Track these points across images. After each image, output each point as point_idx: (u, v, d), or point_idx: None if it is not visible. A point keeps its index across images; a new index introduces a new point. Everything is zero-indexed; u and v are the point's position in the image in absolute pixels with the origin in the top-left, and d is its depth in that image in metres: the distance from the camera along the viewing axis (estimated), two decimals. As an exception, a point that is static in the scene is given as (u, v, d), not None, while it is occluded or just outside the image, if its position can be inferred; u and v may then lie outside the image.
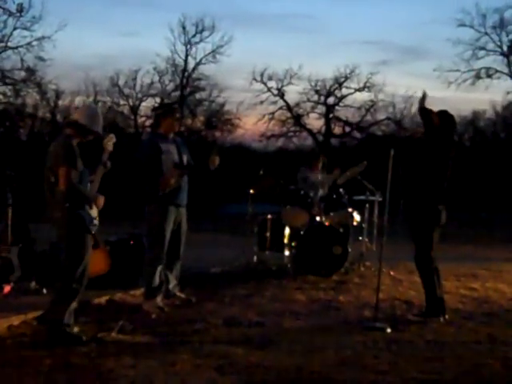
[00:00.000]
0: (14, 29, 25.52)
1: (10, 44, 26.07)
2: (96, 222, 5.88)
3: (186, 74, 32.88)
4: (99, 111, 6.03)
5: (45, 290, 7.32)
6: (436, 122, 6.81)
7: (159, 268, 7.08)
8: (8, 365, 5.06)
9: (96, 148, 6.04)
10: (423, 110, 6.97)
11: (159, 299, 7.07)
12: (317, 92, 34.19)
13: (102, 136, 5.94)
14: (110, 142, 6.03)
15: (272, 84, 33.97)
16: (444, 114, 6.95)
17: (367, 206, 10.08)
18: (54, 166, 5.63)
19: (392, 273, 9.45)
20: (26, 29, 25.60)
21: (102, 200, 5.92)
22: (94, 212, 5.88)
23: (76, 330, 5.82)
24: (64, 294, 5.76)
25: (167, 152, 7.14)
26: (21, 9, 23.29)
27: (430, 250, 6.88)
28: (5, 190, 7.56)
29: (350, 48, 51.54)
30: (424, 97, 7.01)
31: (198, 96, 33.37)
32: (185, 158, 7.33)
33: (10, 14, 23.86)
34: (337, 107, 34.57)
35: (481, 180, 26.38)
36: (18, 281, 7.40)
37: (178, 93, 32.61)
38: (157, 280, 7.08)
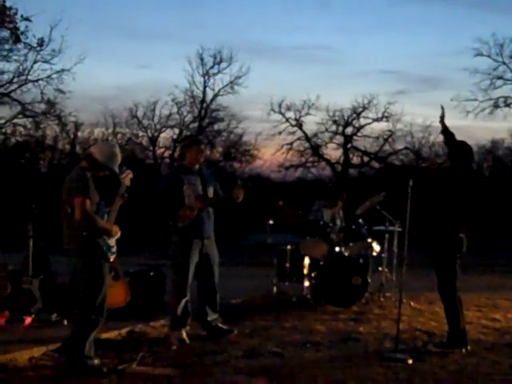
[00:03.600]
0: (35, 62, 25.84)
1: (30, 77, 26.38)
2: (114, 249, 5.93)
3: (205, 105, 33.06)
4: (117, 149, 6.06)
5: (65, 322, 7.34)
6: (458, 148, 6.89)
7: (183, 300, 7.09)
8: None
9: (113, 181, 6.09)
10: (446, 131, 7.06)
11: (183, 331, 7.07)
12: (335, 122, 34.25)
13: (118, 173, 5.99)
14: (127, 177, 6.09)
15: (290, 114, 34.10)
16: (462, 144, 7.01)
17: (386, 236, 10.05)
18: (70, 196, 5.69)
19: (412, 303, 9.40)
20: (46, 62, 25.90)
21: (117, 230, 5.98)
22: (112, 241, 5.93)
23: (96, 361, 5.83)
24: (84, 325, 5.78)
25: (189, 184, 7.18)
26: (41, 43, 23.59)
27: (454, 279, 6.85)
28: (26, 222, 7.63)
29: (367, 78, 51.58)
30: (443, 113, 7.14)
31: (216, 127, 33.54)
32: (211, 190, 7.34)
33: (31, 47, 24.16)
34: (355, 137, 34.58)
35: (500, 209, 26.22)
36: (39, 312, 7.44)
37: (196, 124, 32.78)
38: (180, 312, 7.08)
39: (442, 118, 7.25)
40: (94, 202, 5.73)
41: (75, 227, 5.69)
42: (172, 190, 7.13)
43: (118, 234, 6.02)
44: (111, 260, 5.93)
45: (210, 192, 7.34)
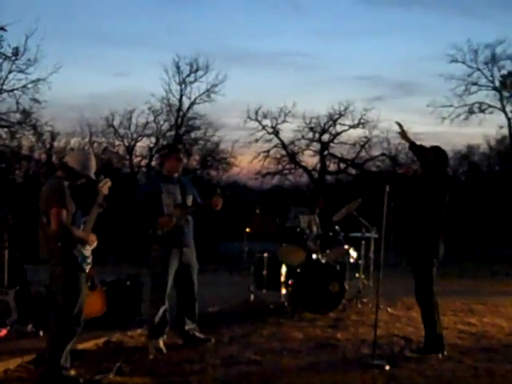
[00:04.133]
0: (10, 72, 25.73)
1: (5, 87, 26.26)
2: (89, 260, 5.88)
3: (181, 113, 33.07)
4: (92, 156, 6.06)
5: (41, 333, 7.28)
6: (431, 156, 6.91)
7: (162, 309, 7.07)
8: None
9: (91, 190, 6.06)
10: (413, 146, 7.08)
11: (160, 341, 7.04)
12: (311, 129, 34.42)
13: (95, 179, 5.97)
14: (105, 185, 6.04)
15: (267, 122, 34.26)
16: (437, 150, 7.04)
17: (363, 242, 10.09)
18: (46, 207, 5.65)
19: (389, 309, 9.43)
20: (21, 71, 25.83)
21: (94, 239, 5.93)
22: (88, 251, 5.87)
23: (73, 372, 5.78)
24: (60, 336, 5.73)
25: (168, 192, 7.17)
26: (16, 52, 23.48)
27: (430, 284, 6.89)
28: (1, 232, 7.57)
29: (343, 84, 51.99)
30: (402, 129, 7.14)
31: (193, 135, 33.59)
32: (190, 199, 7.34)
33: (6, 57, 24.02)
34: (331, 144, 34.76)
35: (476, 213, 26.42)
36: (15, 324, 7.37)
37: (173, 132, 32.78)
38: (158, 321, 7.06)
39: (404, 134, 7.23)
40: (70, 212, 5.68)
41: (51, 238, 5.65)
42: (151, 199, 7.12)
43: (95, 244, 5.96)
44: (87, 271, 5.89)
45: (189, 200, 7.33)
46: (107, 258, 14.05)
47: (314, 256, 9.53)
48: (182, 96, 32.96)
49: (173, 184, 7.25)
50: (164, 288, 7.06)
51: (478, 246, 22.65)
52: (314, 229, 10.04)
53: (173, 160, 7.32)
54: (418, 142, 7.18)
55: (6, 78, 25.97)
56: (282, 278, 9.57)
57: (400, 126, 7.19)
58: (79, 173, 5.84)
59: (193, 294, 7.35)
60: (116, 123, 32.39)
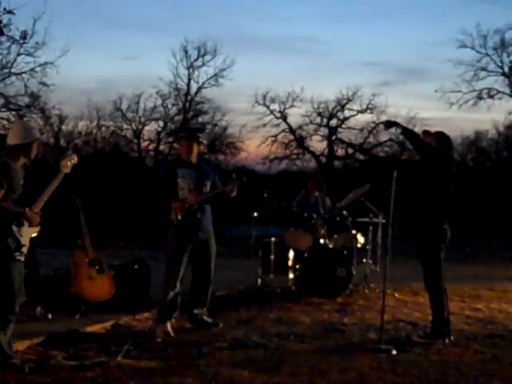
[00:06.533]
0: (18, 55, 25.60)
1: (13, 70, 26.14)
2: (24, 249, 5.62)
3: (189, 97, 32.97)
4: (25, 123, 5.87)
5: (50, 316, 7.33)
6: (430, 142, 6.91)
7: (171, 293, 7.10)
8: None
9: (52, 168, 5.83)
10: (406, 131, 7.08)
11: (168, 324, 7.08)
12: (319, 114, 34.24)
13: (60, 153, 5.78)
14: (68, 162, 5.82)
15: (274, 107, 34.05)
16: (440, 135, 7.04)
17: (371, 227, 10.09)
18: None
19: (396, 294, 9.45)
20: (29, 55, 25.66)
21: (37, 219, 5.64)
22: (25, 237, 5.60)
23: (16, 361, 5.65)
24: None
25: (184, 177, 7.18)
26: (24, 36, 23.38)
27: (439, 269, 6.90)
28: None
29: (351, 69, 51.63)
30: (389, 124, 7.16)
31: (200, 119, 33.41)
32: (207, 185, 7.31)
33: (14, 40, 23.96)
34: (339, 129, 34.60)
35: (484, 199, 26.35)
36: (24, 306, 7.41)
37: (180, 116, 32.68)
38: (167, 304, 7.10)
39: (391, 122, 7.27)
40: (12, 193, 5.51)
41: None
42: (166, 183, 7.13)
43: (37, 228, 5.70)
44: (21, 260, 5.63)
45: (207, 186, 7.31)
46: (117, 242, 14.15)
47: (322, 241, 9.54)
48: (189, 80, 32.84)
49: (190, 169, 7.24)
50: (176, 273, 7.09)
51: (486, 231, 22.59)
52: (321, 210, 10.03)
53: (184, 144, 7.33)
54: (425, 128, 7.18)
55: (15, 61, 25.87)
56: (290, 263, 9.60)
57: (384, 123, 7.25)
58: (26, 143, 5.66)
59: (208, 279, 7.37)
60: (124, 107, 32.32)
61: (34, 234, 5.74)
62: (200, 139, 7.64)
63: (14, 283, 5.63)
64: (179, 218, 7.01)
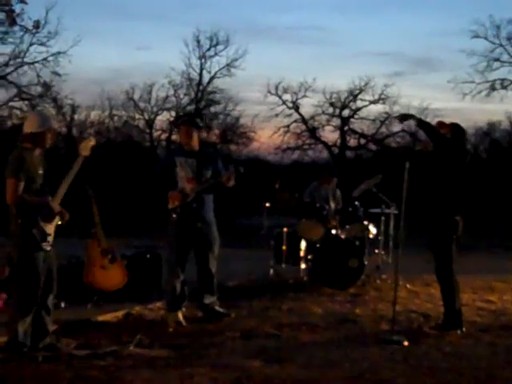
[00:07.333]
0: (31, 44, 25.62)
1: (26, 60, 26.20)
2: (50, 238, 5.68)
3: (201, 87, 32.92)
4: (41, 112, 5.88)
5: (63, 304, 7.37)
6: (447, 134, 6.89)
7: (177, 281, 7.11)
8: (27, 378, 5.08)
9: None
10: (422, 123, 7.06)
11: (180, 313, 7.09)
12: (332, 105, 34.10)
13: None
14: (87, 145, 5.82)
15: (287, 97, 33.93)
16: (456, 127, 7.01)
17: (383, 218, 10.08)
18: (5, 178, 5.49)
19: (408, 285, 9.44)
20: (42, 44, 25.68)
21: (60, 210, 5.69)
22: (50, 227, 5.66)
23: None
24: (17, 313, 5.65)
25: (182, 165, 7.14)
26: (37, 25, 23.42)
27: (450, 261, 6.89)
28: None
29: (363, 60, 51.36)
30: (403, 117, 7.15)
31: (212, 109, 33.37)
32: (208, 173, 7.23)
33: (27, 30, 24.00)
34: (352, 120, 34.48)
35: (497, 190, 26.24)
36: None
37: (193, 106, 32.64)
38: (176, 293, 7.11)
39: (406, 115, 7.27)
40: (33, 184, 5.55)
41: (12, 212, 5.50)
42: (165, 172, 7.12)
43: (66, 217, 5.75)
44: (47, 249, 5.69)
45: (207, 175, 7.22)
46: (128, 231, 14.22)
47: (334, 231, 9.53)
48: (202, 70, 32.75)
49: (190, 157, 7.17)
50: (175, 262, 7.10)
51: (498, 223, 22.51)
52: (332, 203, 10.03)
53: (182, 131, 7.30)
54: (437, 119, 7.15)
55: (27, 50, 25.90)
56: (302, 253, 9.61)
57: (402, 117, 7.24)
58: (39, 132, 5.67)
59: (207, 268, 7.30)
60: (136, 97, 32.31)
61: (59, 222, 5.77)
62: (200, 125, 7.50)
63: (39, 273, 5.67)
64: (177, 208, 7.00)
